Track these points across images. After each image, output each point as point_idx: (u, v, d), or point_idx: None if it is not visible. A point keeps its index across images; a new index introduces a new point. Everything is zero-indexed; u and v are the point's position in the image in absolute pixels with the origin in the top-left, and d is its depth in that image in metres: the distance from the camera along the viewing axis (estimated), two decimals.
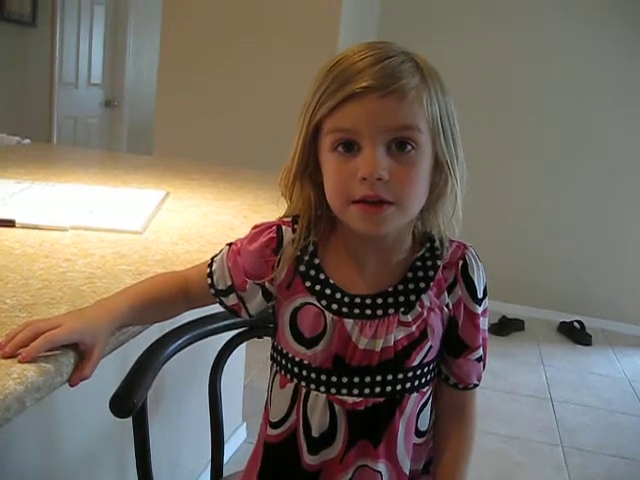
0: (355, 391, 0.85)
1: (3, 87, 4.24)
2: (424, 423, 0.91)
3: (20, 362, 0.68)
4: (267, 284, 0.87)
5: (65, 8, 4.66)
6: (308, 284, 0.85)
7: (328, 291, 0.85)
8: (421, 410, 0.89)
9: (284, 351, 0.89)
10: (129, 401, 0.86)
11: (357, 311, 0.84)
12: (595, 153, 3.79)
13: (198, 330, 1.07)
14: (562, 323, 3.81)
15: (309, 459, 0.88)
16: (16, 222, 1.23)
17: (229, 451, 2.14)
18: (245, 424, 2.32)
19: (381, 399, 0.85)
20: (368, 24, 3.71)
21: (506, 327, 3.66)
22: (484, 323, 0.90)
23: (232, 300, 0.89)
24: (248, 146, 3.19)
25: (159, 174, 2.06)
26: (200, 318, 1.08)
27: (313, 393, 0.86)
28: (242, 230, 0.93)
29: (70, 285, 0.93)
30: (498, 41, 3.77)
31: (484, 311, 0.90)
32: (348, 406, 0.85)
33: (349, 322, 0.83)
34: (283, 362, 0.89)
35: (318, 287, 0.85)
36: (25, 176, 1.71)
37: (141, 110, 5.19)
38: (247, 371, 2.42)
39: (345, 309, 0.84)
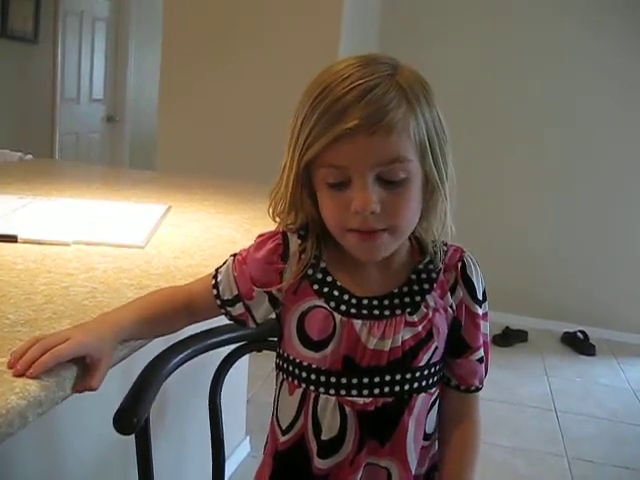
0: (365, 391, 0.86)
1: (5, 103, 4.27)
2: (431, 425, 0.92)
3: (28, 377, 0.69)
4: (274, 291, 0.88)
5: (67, 24, 4.70)
6: (316, 287, 0.87)
7: (336, 293, 0.86)
8: (429, 411, 0.90)
9: (291, 357, 0.89)
10: (133, 418, 0.86)
11: (365, 312, 0.85)
12: (596, 160, 3.79)
13: (199, 344, 1.06)
14: (565, 333, 3.80)
15: (319, 463, 0.88)
16: (18, 237, 1.23)
17: (233, 464, 2.13)
18: (248, 438, 2.31)
19: (390, 399, 0.86)
20: (369, 28, 3.71)
21: (509, 338, 3.65)
22: (485, 327, 0.92)
23: (238, 310, 0.90)
24: (250, 159, 3.19)
25: (161, 188, 2.07)
26: (201, 332, 1.08)
27: (323, 396, 0.87)
28: (243, 243, 0.94)
29: (72, 300, 0.94)
30: (499, 42, 3.78)
31: (484, 315, 0.92)
32: (358, 407, 0.86)
33: (358, 323, 0.85)
34: (290, 368, 0.89)
35: (326, 289, 0.86)
36: (27, 191, 1.71)
37: (143, 125, 5.21)
38: (250, 385, 2.41)
39: (353, 310, 0.85)
